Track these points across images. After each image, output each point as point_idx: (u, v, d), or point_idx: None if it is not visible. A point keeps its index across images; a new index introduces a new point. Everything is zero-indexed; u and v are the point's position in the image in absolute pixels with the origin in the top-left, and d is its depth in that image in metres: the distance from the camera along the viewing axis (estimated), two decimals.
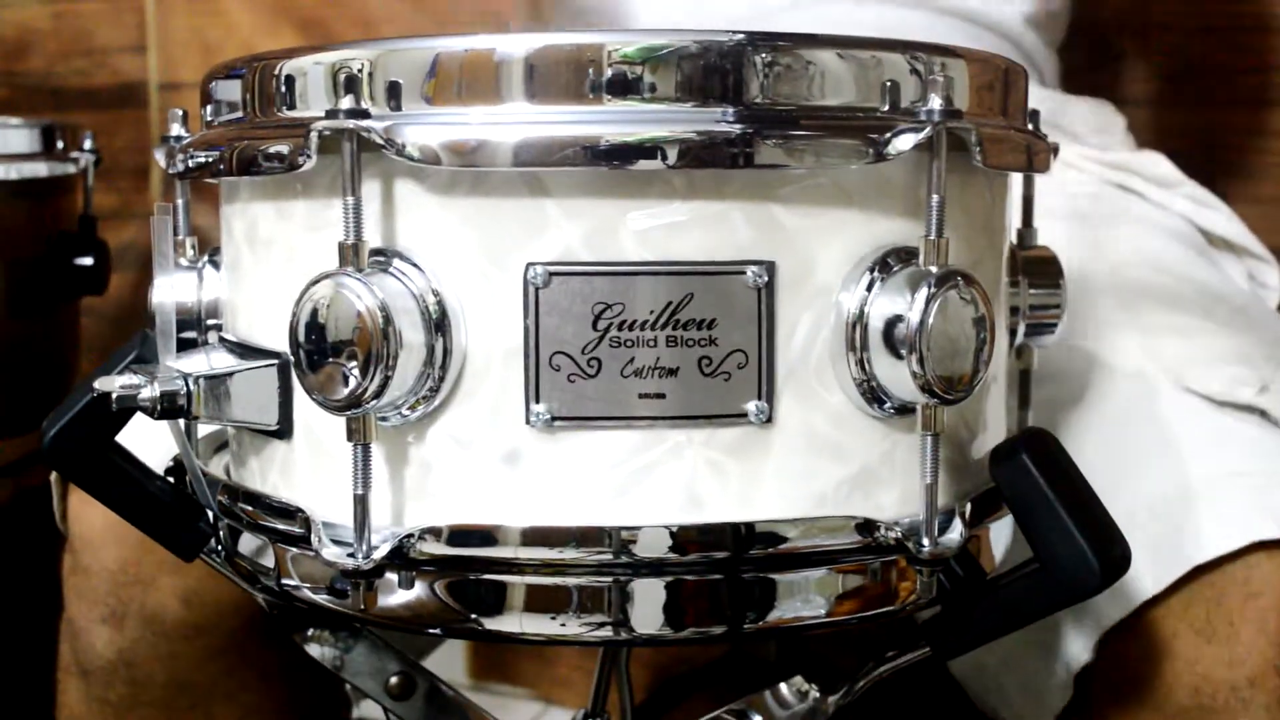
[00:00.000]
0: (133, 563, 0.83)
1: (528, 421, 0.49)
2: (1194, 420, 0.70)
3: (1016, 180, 0.62)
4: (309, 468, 0.53)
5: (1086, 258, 0.80)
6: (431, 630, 0.51)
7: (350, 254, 0.47)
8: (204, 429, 0.62)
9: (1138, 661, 0.68)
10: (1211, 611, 0.67)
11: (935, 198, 0.48)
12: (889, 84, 0.49)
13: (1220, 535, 0.66)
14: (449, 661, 1.40)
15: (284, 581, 0.54)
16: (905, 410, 0.50)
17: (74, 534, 0.89)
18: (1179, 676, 0.67)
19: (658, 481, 0.49)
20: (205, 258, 0.60)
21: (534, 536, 0.49)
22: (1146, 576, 0.67)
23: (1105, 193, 0.94)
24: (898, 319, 0.48)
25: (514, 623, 0.50)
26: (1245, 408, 0.71)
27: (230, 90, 0.54)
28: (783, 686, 0.61)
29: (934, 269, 0.48)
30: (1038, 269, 0.61)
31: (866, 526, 0.50)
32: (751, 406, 0.49)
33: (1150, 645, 0.67)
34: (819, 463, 0.50)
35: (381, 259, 0.49)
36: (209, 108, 0.57)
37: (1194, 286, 0.84)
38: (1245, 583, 0.66)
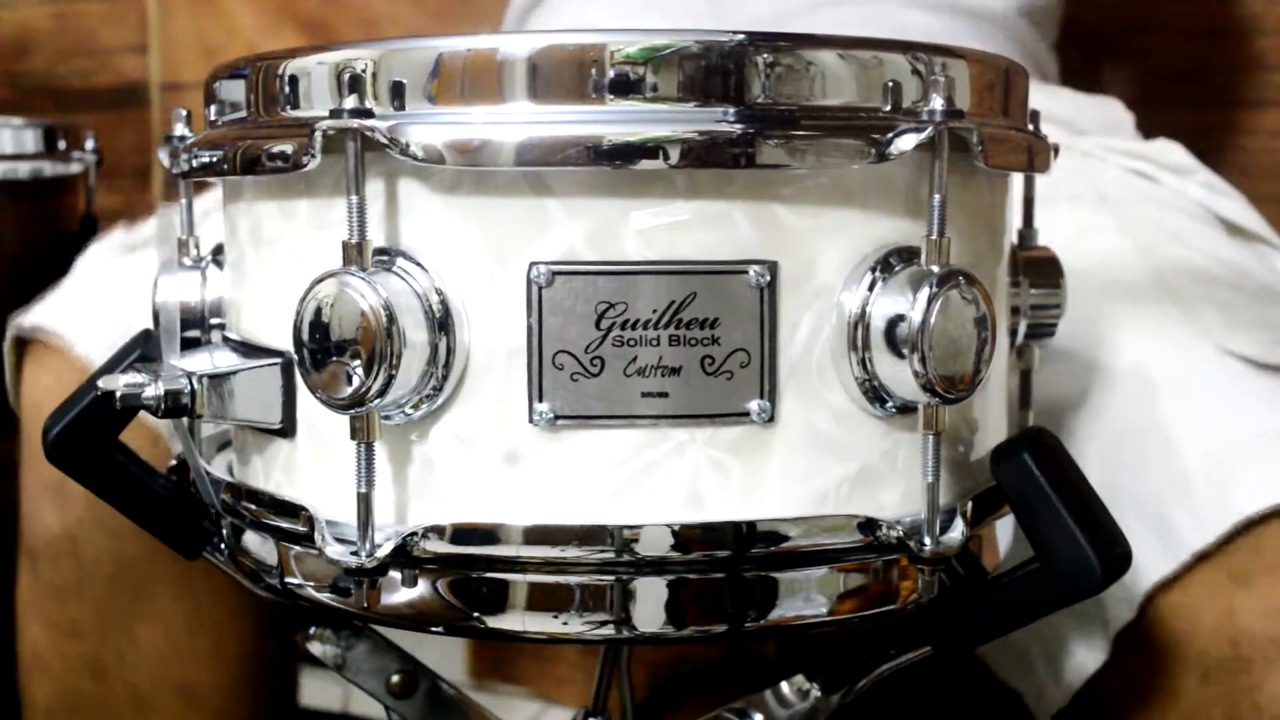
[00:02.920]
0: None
1: (531, 420, 0.49)
2: (1237, 380, 0.71)
3: (1017, 180, 0.62)
4: (312, 466, 0.53)
5: (1115, 239, 0.81)
6: (434, 629, 0.51)
7: (354, 253, 0.47)
8: (207, 428, 0.62)
9: (1179, 617, 0.68)
10: (1250, 562, 0.67)
11: (937, 197, 0.48)
12: (891, 84, 0.49)
13: (1266, 489, 0.67)
14: (449, 660, 1.41)
15: (287, 580, 0.54)
16: (907, 409, 0.50)
17: (24, 404, 0.89)
18: (1217, 630, 0.67)
19: (660, 480, 0.49)
20: (209, 257, 0.60)
21: (536, 535, 0.49)
22: (1192, 533, 0.67)
23: (1125, 178, 0.95)
24: (899, 318, 0.48)
25: (516, 621, 0.50)
26: None
27: (234, 90, 0.55)
28: (784, 685, 0.61)
29: (936, 269, 0.48)
30: (1038, 269, 0.61)
31: (868, 525, 0.50)
32: (754, 405, 0.49)
33: (1192, 601, 0.67)
34: (821, 462, 0.50)
35: (385, 258, 0.49)
36: (212, 107, 0.57)
37: (1222, 263, 0.85)
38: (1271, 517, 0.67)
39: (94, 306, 0.89)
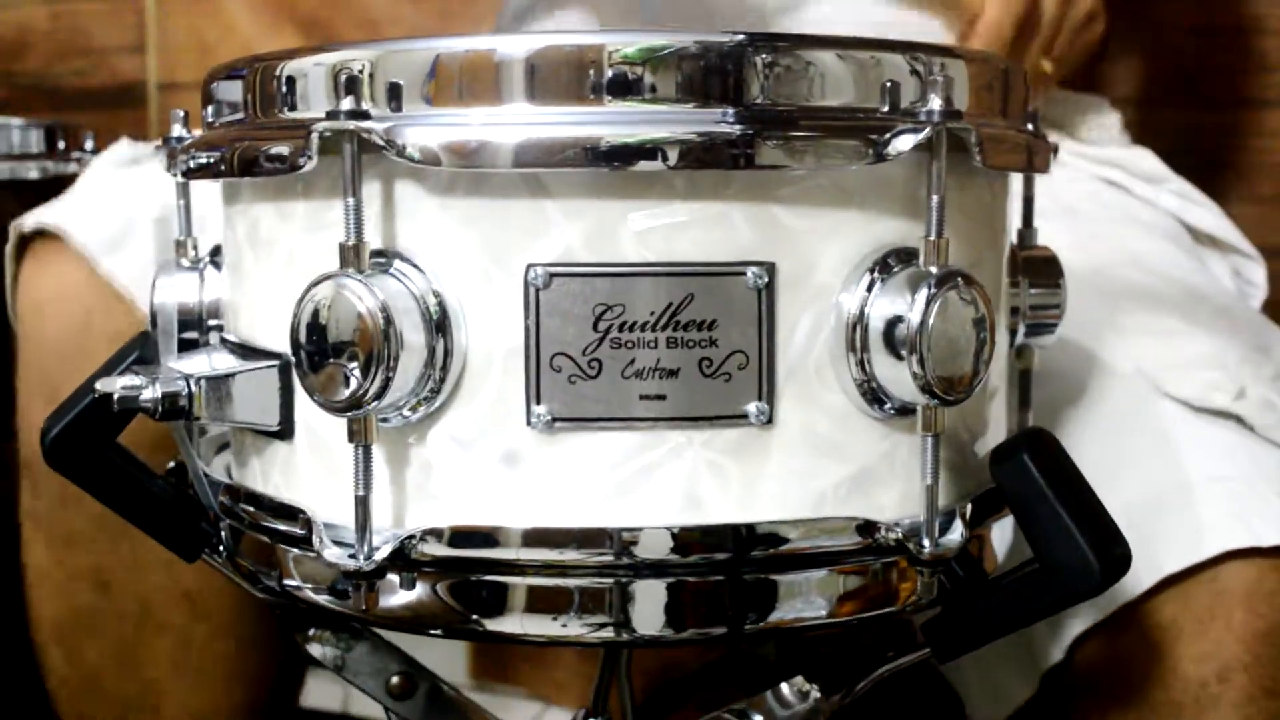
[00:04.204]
0: (74, 340, 0.82)
1: (528, 422, 0.49)
2: (1171, 425, 0.71)
3: (1016, 180, 0.62)
4: (310, 468, 0.53)
5: (1067, 255, 0.81)
6: (433, 631, 0.51)
7: (351, 255, 0.47)
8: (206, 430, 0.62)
9: (1111, 661, 0.68)
10: (1180, 611, 0.67)
11: (935, 198, 0.48)
12: (889, 84, 0.49)
13: (1195, 542, 0.67)
14: (448, 662, 1.40)
15: (285, 582, 0.54)
16: (906, 411, 0.50)
17: (21, 305, 0.88)
18: (1152, 673, 0.67)
19: (658, 482, 0.49)
20: (207, 258, 0.60)
21: (535, 538, 0.49)
22: (1124, 583, 0.67)
23: (1093, 189, 0.94)
24: (898, 319, 0.48)
25: (515, 624, 0.50)
26: (1221, 413, 0.71)
27: (231, 91, 0.55)
28: (784, 687, 0.61)
29: (934, 269, 0.48)
30: (1038, 269, 0.61)
31: (867, 527, 0.50)
32: (752, 407, 0.49)
33: (1124, 645, 0.68)
34: (819, 463, 0.50)
35: (382, 260, 0.49)
36: (210, 108, 0.57)
37: (1177, 287, 0.84)
38: (1214, 581, 0.67)
39: (95, 204, 0.88)
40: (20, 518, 0.91)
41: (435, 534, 0.49)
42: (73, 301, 0.84)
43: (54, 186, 1.14)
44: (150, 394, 0.52)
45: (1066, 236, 0.81)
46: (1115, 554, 0.52)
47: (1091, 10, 0.95)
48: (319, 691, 1.24)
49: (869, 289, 0.49)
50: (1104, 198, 0.93)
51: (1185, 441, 0.70)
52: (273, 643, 0.94)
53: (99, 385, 0.53)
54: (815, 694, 0.60)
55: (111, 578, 0.88)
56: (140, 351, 0.59)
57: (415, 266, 0.49)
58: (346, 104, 0.47)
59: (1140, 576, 0.67)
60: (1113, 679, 0.68)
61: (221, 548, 0.59)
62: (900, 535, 0.50)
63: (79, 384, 0.76)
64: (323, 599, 0.53)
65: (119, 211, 0.86)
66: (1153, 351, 0.74)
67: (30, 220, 0.89)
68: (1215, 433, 0.70)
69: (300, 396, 0.52)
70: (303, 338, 0.48)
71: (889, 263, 0.50)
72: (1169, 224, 0.93)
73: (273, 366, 0.53)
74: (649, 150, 0.46)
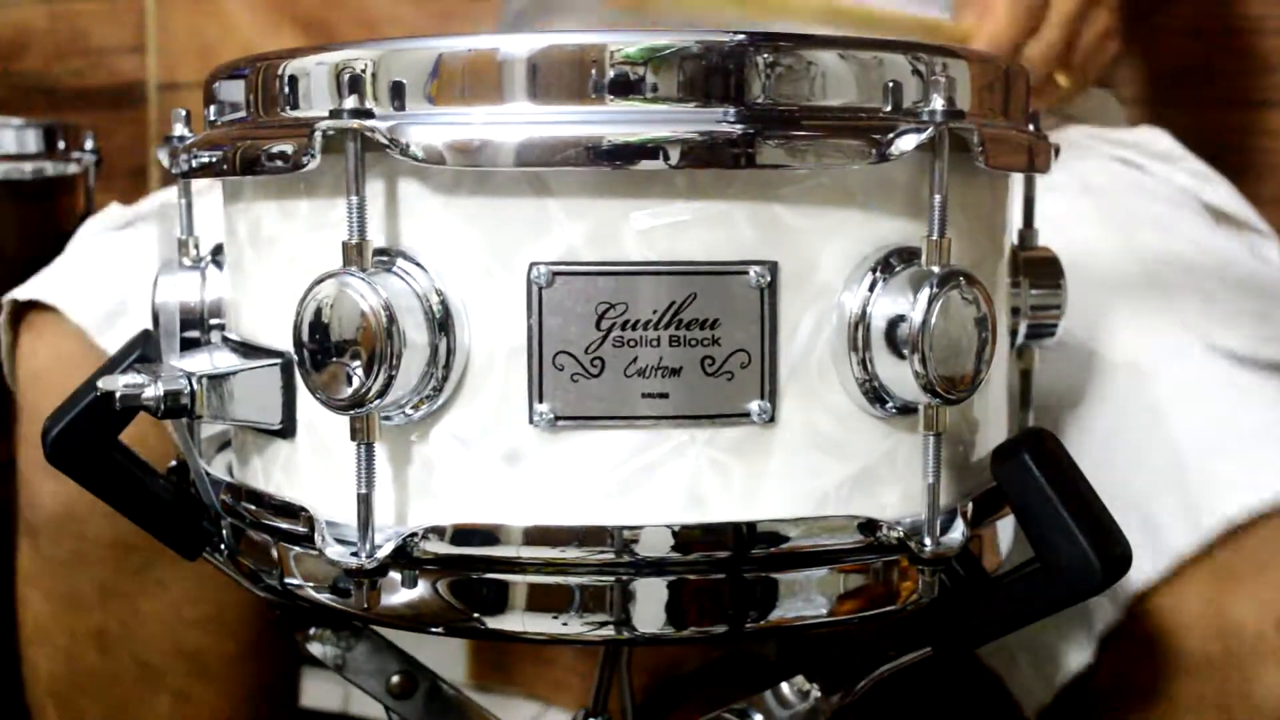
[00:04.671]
0: None
1: (531, 421, 0.49)
2: (1221, 376, 0.71)
3: (1018, 180, 0.62)
4: (312, 467, 0.53)
5: (1095, 227, 0.81)
6: (434, 629, 0.51)
7: (354, 253, 0.47)
8: (207, 428, 0.62)
9: (1167, 616, 0.68)
10: (1236, 560, 0.67)
11: (937, 198, 0.48)
12: (891, 84, 0.49)
13: (1252, 488, 0.67)
14: (447, 663, 1.40)
15: (287, 581, 0.54)
16: (907, 410, 0.50)
17: (20, 376, 0.89)
18: (1205, 628, 0.67)
19: (660, 481, 0.49)
20: (208, 257, 0.60)
21: (536, 536, 0.49)
22: (1180, 535, 0.67)
23: (1111, 167, 0.94)
24: (900, 319, 0.48)
25: (516, 622, 0.50)
26: (1269, 365, 0.71)
27: (233, 90, 0.55)
28: (784, 686, 0.61)
29: (936, 269, 0.48)
30: (1039, 269, 0.61)
31: (869, 526, 0.50)
32: (754, 406, 0.49)
33: (1181, 600, 0.67)
34: (821, 462, 0.50)
35: (385, 258, 0.49)
36: (212, 108, 0.57)
37: (1207, 252, 0.84)
38: (1271, 526, 0.67)
39: (89, 277, 0.89)
40: (17, 577, 0.91)
41: (437, 532, 0.49)
42: (72, 373, 0.84)
43: (53, 187, 1.15)
44: (152, 392, 0.52)
45: (1092, 209, 0.81)
46: (1116, 553, 0.52)
47: (1107, 28, 0.95)
48: (319, 691, 1.24)
49: (871, 288, 0.49)
50: (1121, 174, 0.93)
51: (1237, 392, 0.70)
52: (272, 700, 0.95)
53: (101, 383, 0.53)
54: (815, 693, 0.60)
55: (112, 639, 0.89)
56: (142, 350, 0.59)
57: (418, 265, 0.49)
58: (350, 103, 0.47)
59: (1202, 522, 0.67)
60: (1167, 636, 0.68)
61: (223, 546, 0.59)
62: (902, 534, 0.50)
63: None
64: (324, 597, 0.53)
65: (113, 285, 0.86)
66: (1195, 307, 0.74)
67: (25, 292, 0.89)
68: (1263, 384, 0.71)
69: (302, 395, 0.52)
70: (305, 336, 0.48)
71: (891, 262, 0.50)
72: (1187, 200, 0.93)
73: (275, 365, 0.53)
74: (651, 149, 0.47)
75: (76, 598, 0.89)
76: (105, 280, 0.87)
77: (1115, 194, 0.89)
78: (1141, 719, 0.69)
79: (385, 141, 0.47)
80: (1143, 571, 0.68)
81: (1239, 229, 0.95)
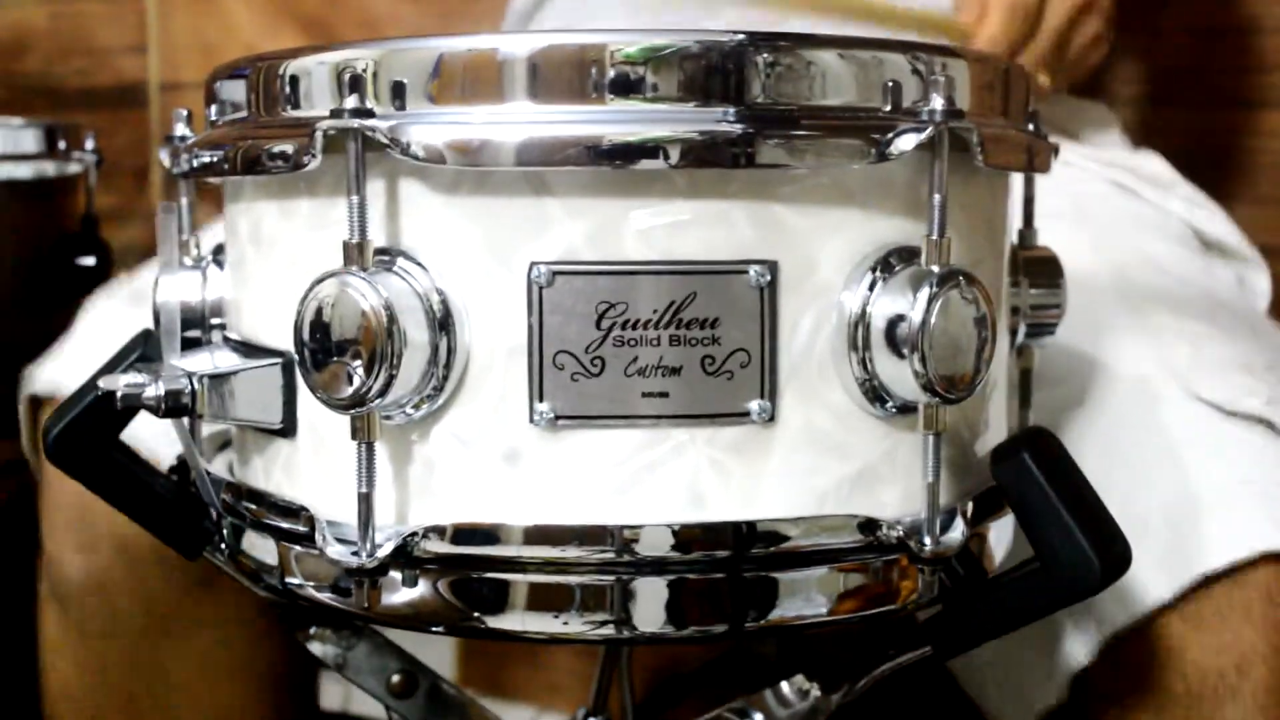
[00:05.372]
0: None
1: (531, 420, 0.49)
2: (1202, 428, 0.71)
3: (1017, 180, 0.62)
4: (313, 466, 0.53)
5: (1088, 258, 0.81)
6: (434, 629, 0.51)
7: (355, 253, 0.47)
8: (208, 428, 0.62)
9: (1140, 664, 0.68)
10: (1199, 605, 0.67)
11: (937, 197, 0.48)
12: (891, 84, 0.49)
13: (1228, 544, 0.67)
14: (438, 670, 1.40)
15: (287, 580, 0.54)
16: (907, 409, 0.50)
17: (46, 465, 0.89)
18: (1175, 666, 0.67)
19: (660, 480, 0.49)
20: (209, 257, 0.60)
21: (537, 535, 0.49)
22: (1159, 584, 0.67)
23: (1106, 192, 0.94)
24: (900, 318, 0.48)
25: (516, 621, 0.50)
26: (1251, 417, 0.71)
27: (234, 90, 0.55)
28: (784, 685, 0.61)
29: (936, 269, 0.48)
30: (1039, 269, 0.61)
31: (868, 525, 0.50)
32: (754, 405, 0.49)
33: (1155, 649, 0.68)
34: (821, 461, 0.50)
35: (386, 258, 0.49)
36: (213, 107, 0.57)
37: (1197, 291, 0.84)
38: (1235, 578, 0.67)
39: (102, 360, 0.89)
40: (42, 641, 0.92)
41: (438, 531, 0.49)
42: None
43: (53, 187, 1.15)
44: (153, 391, 0.52)
45: (1087, 241, 0.81)
46: (1115, 553, 0.52)
47: (1098, 34, 0.96)
48: (319, 691, 1.24)
49: (871, 288, 0.49)
50: (1115, 201, 0.94)
51: (1216, 444, 0.70)
52: None
53: (102, 383, 0.53)
54: (815, 692, 0.60)
55: (142, 705, 0.90)
56: (143, 350, 0.60)
57: (419, 264, 0.49)
58: (350, 102, 0.47)
59: (1179, 576, 0.67)
60: (1131, 675, 0.68)
61: (223, 546, 0.59)
62: (901, 533, 0.50)
63: (112, 526, 0.79)
64: (325, 597, 0.53)
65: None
66: (1181, 353, 0.74)
67: (41, 384, 0.90)
68: (1245, 436, 0.70)
69: (303, 394, 0.52)
70: (306, 335, 0.48)
71: (891, 262, 0.50)
72: (1179, 229, 0.93)
73: (275, 364, 0.53)
74: (651, 149, 0.47)
75: (105, 665, 0.90)
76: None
77: (1110, 224, 0.89)
78: None
79: (386, 141, 0.47)
80: (1116, 617, 0.68)
81: (1229, 259, 0.95)
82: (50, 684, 0.92)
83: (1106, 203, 0.93)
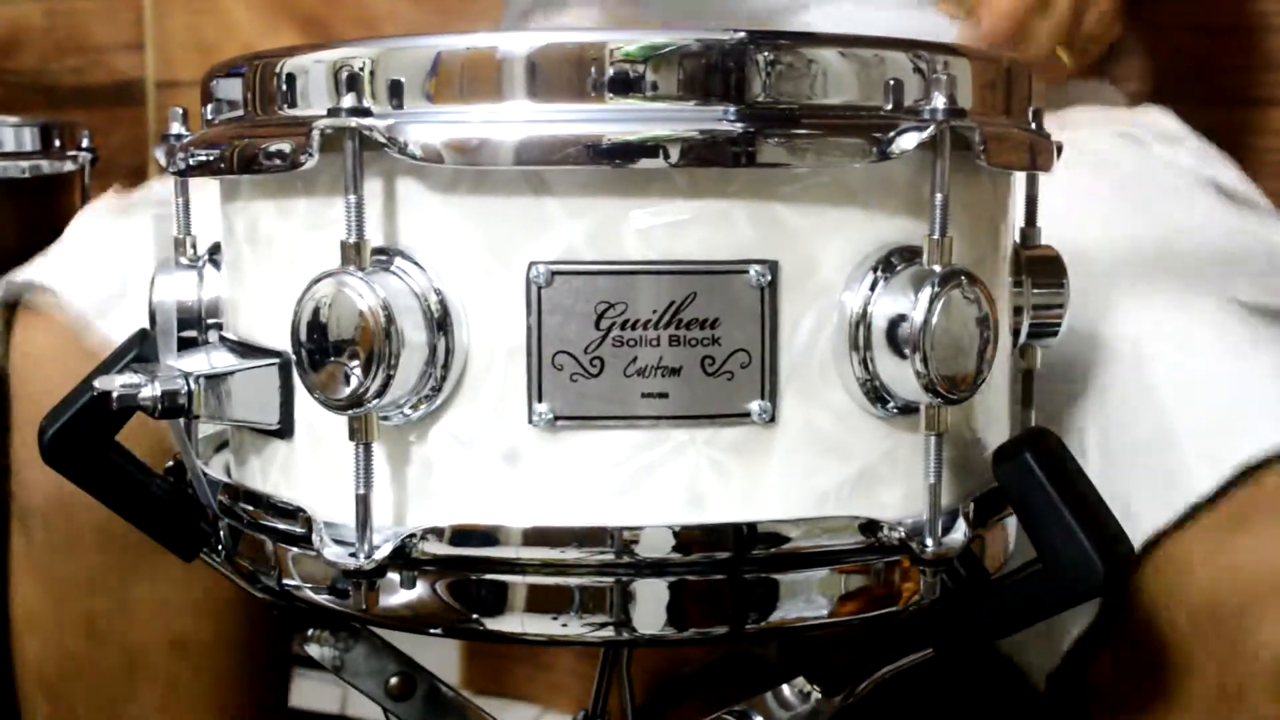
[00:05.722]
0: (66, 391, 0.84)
1: (530, 421, 0.48)
2: (1239, 328, 0.71)
3: (1020, 179, 0.62)
4: (310, 467, 0.53)
5: (1109, 204, 0.81)
6: (433, 630, 0.51)
7: (352, 252, 0.47)
8: (204, 428, 0.62)
9: (1170, 566, 0.67)
10: (1248, 505, 0.67)
11: (939, 197, 0.48)
12: (892, 83, 0.49)
13: (1265, 434, 0.66)
14: (442, 670, 1.40)
15: (285, 581, 0.54)
16: (908, 410, 0.50)
17: (15, 362, 0.89)
18: (1210, 574, 0.66)
19: (660, 481, 0.49)
20: (206, 256, 0.60)
21: (536, 536, 0.49)
22: (1192, 481, 0.67)
23: (1117, 145, 0.94)
24: (901, 318, 0.48)
25: (515, 623, 0.50)
26: None
27: (231, 88, 0.54)
28: (784, 687, 0.60)
29: (937, 268, 0.48)
30: (1041, 268, 0.61)
31: (869, 526, 0.50)
32: (754, 406, 0.49)
33: (1184, 547, 0.67)
34: (822, 462, 0.50)
35: (383, 258, 0.49)
36: (209, 106, 0.56)
37: (1221, 224, 0.84)
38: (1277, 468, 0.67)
39: (85, 263, 0.88)
40: (10, 564, 0.91)
41: (436, 532, 0.49)
42: (69, 358, 0.84)
43: (49, 185, 1.14)
44: (149, 392, 0.51)
45: (1105, 186, 0.81)
46: (1119, 553, 0.52)
47: (1112, 9, 0.96)
48: (316, 693, 1.24)
49: (872, 287, 0.49)
50: (1129, 153, 0.93)
51: (1257, 341, 0.70)
52: (263, 690, 0.95)
53: (97, 383, 0.53)
54: (816, 695, 0.60)
55: (101, 626, 0.89)
56: (139, 350, 0.59)
57: (417, 264, 0.49)
58: (348, 101, 0.47)
59: (1214, 468, 0.66)
60: (1172, 585, 0.67)
61: (220, 547, 0.59)
62: (903, 534, 0.50)
63: None
64: (322, 598, 0.53)
65: (111, 271, 0.85)
66: (1216, 270, 0.74)
67: (21, 276, 0.89)
68: None
69: (300, 395, 0.52)
70: (303, 336, 0.47)
71: (892, 261, 0.50)
72: (1193, 179, 0.93)
73: (272, 365, 0.53)
74: (650, 148, 0.46)
75: (66, 585, 0.88)
76: (104, 265, 0.87)
77: (1127, 171, 0.89)
78: (1142, 671, 0.69)
79: (383, 140, 0.47)
80: (1150, 522, 0.67)
81: (1243, 207, 0.95)
82: (15, 607, 0.91)
83: (1120, 154, 0.93)
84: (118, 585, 0.88)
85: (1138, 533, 0.67)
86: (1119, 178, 0.86)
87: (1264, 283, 0.73)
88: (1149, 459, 0.68)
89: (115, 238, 0.89)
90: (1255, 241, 0.83)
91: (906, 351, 0.48)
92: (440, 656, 1.35)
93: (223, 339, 0.58)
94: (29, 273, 0.89)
